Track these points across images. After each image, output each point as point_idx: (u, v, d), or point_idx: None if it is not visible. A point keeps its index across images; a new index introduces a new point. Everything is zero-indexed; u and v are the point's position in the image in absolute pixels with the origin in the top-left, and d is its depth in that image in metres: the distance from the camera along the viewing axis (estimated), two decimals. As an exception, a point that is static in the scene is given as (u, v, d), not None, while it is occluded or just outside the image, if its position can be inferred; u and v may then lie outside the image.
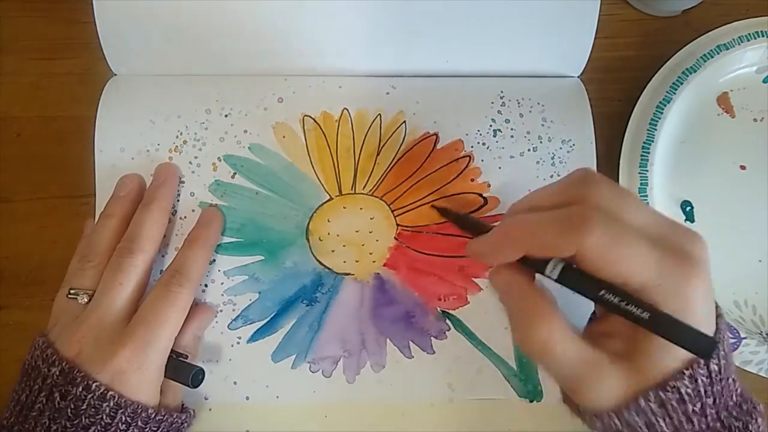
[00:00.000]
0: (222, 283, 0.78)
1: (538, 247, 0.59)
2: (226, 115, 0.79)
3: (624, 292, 0.56)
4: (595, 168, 0.80)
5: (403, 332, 0.79)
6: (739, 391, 0.61)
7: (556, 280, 0.59)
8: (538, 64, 0.83)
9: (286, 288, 0.79)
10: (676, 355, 0.57)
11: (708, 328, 0.58)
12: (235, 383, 0.78)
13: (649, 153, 0.81)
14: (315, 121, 0.80)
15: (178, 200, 0.79)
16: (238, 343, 0.78)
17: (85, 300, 0.73)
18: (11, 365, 0.80)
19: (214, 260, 0.78)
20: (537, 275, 0.61)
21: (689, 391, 0.57)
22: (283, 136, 0.79)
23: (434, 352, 0.79)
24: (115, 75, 0.82)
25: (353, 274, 0.79)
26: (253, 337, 0.78)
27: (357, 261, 0.79)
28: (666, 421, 0.57)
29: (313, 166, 0.79)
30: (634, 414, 0.57)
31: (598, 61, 0.84)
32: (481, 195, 0.79)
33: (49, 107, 0.85)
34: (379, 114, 0.80)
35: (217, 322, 0.78)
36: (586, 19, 0.81)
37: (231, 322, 0.78)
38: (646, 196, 0.81)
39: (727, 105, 0.85)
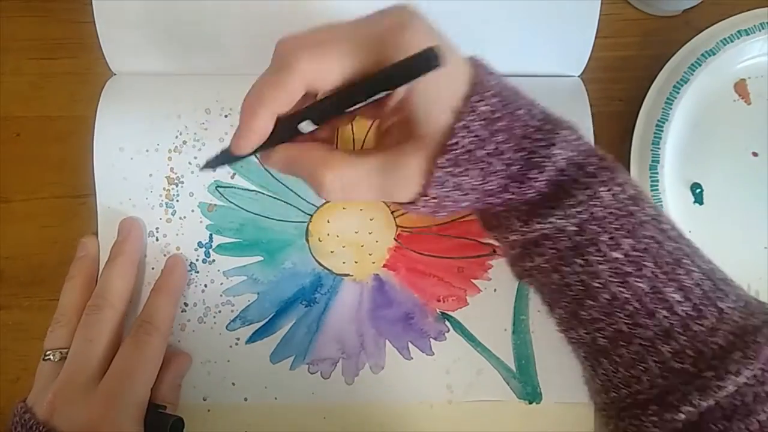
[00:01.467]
0: (221, 284, 0.79)
1: (276, 104, 0.60)
2: (225, 116, 0.79)
3: (346, 89, 0.59)
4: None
5: (402, 333, 0.79)
6: (537, 115, 0.63)
7: (315, 124, 0.61)
8: (539, 63, 0.83)
9: (285, 289, 0.79)
10: (442, 108, 0.59)
11: (456, 56, 0.60)
12: (233, 384, 0.79)
13: (662, 132, 0.82)
14: (315, 120, 0.79)
15: (145, 255, 0.79)
16: (237, 344, 0.79)
17: (58, 358, 0.74)
18: (11, 365, 0.81)
19: (214, 260, 0.79)
20: None
21: (471, 140, 0.59)
22: (283, 136, 0.79)
23: (433, 354, 0.79)
24: (115, 75, 0.82)
25: (352, 275, 0.80)
26: (252, 338, 0.79)
27: (356, 262, 0.79)
28: (469, 174, 0.60)
29: (313, 166, 0.79)
30: (441, 177, 0.60)
31: (598, 61, 0.83)
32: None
33: (48, 107, 0.84)
34: (380, 114, 0.80)
35: (215, 322, 0.79)
36: (587, 19, 0.81)
37: (229, 323, 0.79)
38: (657, 174, 0.81)
39: (744, 92, 0.85)
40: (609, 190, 0.61)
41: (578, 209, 0.61)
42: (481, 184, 0.61)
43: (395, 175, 0.61)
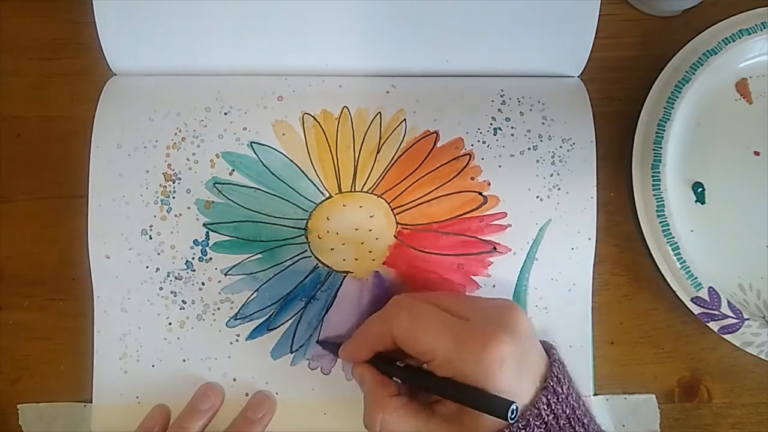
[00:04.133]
0: (219, 281, 0.78)
1: (369, 340, 0.73)
2: (225, 113, 0.79)
3: (425, 381, 0.68)
4: (594, 167, 0.80)
5: (403, 330, 0.78)
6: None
7: (402, 381, 0.70)
8: (539, 63, 0.83)
9: (285, 286, 0.79)
10: (488, 425, 0.63)
11: (518, 386, 0.64)
12: (234, 380, 0.79)
13: (664, 131, 0.81)
14: (315, 119, 0.79)
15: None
16: (237, 340, 0.79)
17: None
18: (11, 365, 0.80)
19: (211, 258, 0.78)
20: None
21: None
22: (283, 134, 0.79)
23: (433, 350, 0.79)
24: (115, 75, 0.82)
25: (352, 272, 0.79)
26: (252, 335, 0.79)
27: (356, 259, 0.79)
28: None
29: (312, 164, 0.79)
30: None
31: (598, 61, 0.84)
32: (480, 193, 0.79)
33: (49, 107, 0.84)
34: (380, 112, 0.80)
35: (215, 320, 0.79)
36: (587, 19, 0.81)
37: (229, 320, 0.78)
38: (658, 173, 0.81)
39: (746, 91, 0.85)
40: None
41: None
42: None
43: None
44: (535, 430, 0.62)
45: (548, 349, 0.70)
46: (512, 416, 0.59)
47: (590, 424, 0.66)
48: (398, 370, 0.70)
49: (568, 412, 0.64)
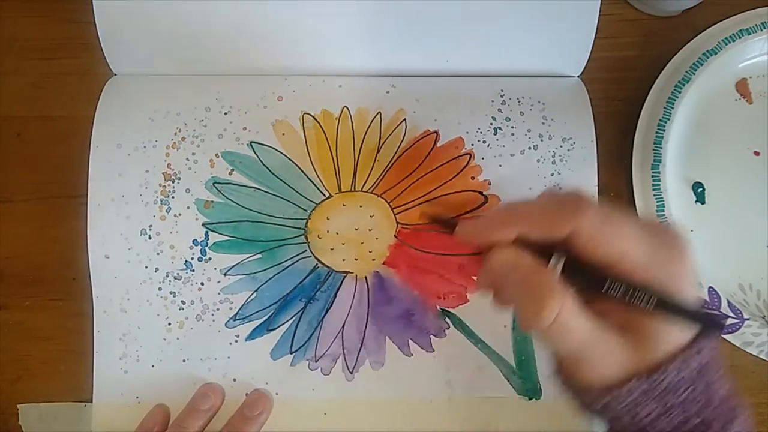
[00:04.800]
0: (218, 282, 0.78)
1: (532, 225, 0.60)
2: (225, 113, 0.79)
3: (627, 283, 0.57)
4: (595, 166, 0.80)
5: (403, 330, 0.79)
6: (723, 392, 0.61)
7: (560, 275, 0.58)
8: (539, 63, 0.83)
9: (285, 286, 0.79)
10: (672, 338, 0.58)
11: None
12: (234, 380, 0.79)
13: (664, 131, 0.82)
14: (315, 119, 0.79)
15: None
16: (236, 341, 0.79)
17: None
18: (11, 365, 0.80)
19: (210, 258, 0.78)
20: None
21: (676, 378, 0.57)
22: (283, 134, 0.79)
23: (434, 350, 0.79)
24: (115, 75, 0.82)
25: (352, 272, 0.79)
26: (252, 335, 0.79)
27: (356, 259, 0.79)
28: (646, 410, 0.58)
29: (312, 164, 0.79)
30: (624, 395, 0.58)
31: (598, 61, 0.84)
32: (481, 193, 0.79)
33: (49, 107, 0.84)
34: (379, 112, 0.80)
35: (214, 320, 0.79)
36: (586, 19, 0.81)
37: (228, 321, 0.79)
38: (659, 173, 0.81)
39: (745, 91, 0.85)
40: None
41: None
42: (648, 421, 0.59)
43: (597, 354, 0.59)
44: (711, 351, 0.59)
45: None
46: (719, 325, 0.57)
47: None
48: (576, 271, 0.59)
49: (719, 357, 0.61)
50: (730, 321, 0.80)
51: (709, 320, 0.56)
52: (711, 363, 0.59)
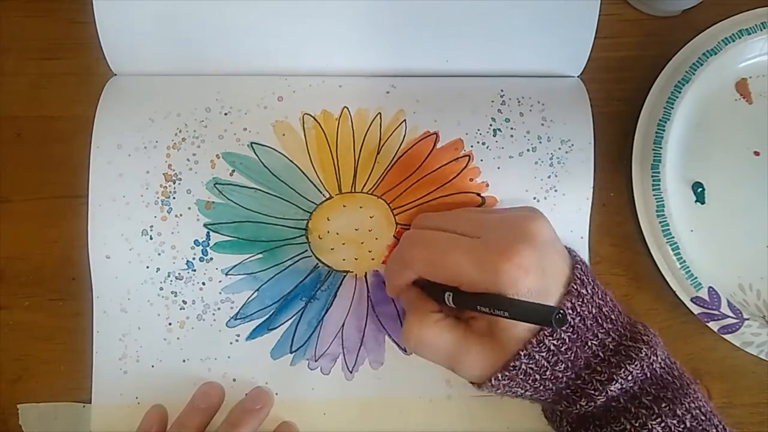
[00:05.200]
0: (220, 281, 0.78)
1: (398, 280, 0.72)
2: (225, 114, 0.79)
3: (464, 298, 0.67)
4: (592, 168, 0.80)
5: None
6: (610, 344, 0.66)
7: (453, 306, 0.68)
8: (538, 63, 0.83)
9: (285, 285, 0.79)
10: (518, 333, 0.64)
11: (544, 293, 0.64)
12: (234, 380, 0.79)
13: (664, 131, 0.82)
14: (315, 119, 0.79)
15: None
16: (237, 340, 0.79)
17: None
18: (11, 365, 0.80)
19: (212, 258, 0.78)
20: None
21: (531, 365, 0.64)
22: (283, 134, 0.79)
23: (433, 350, 0.79)
24: (115, 75, 0.82)
25: (352, 272, 0.80)
26: (252, 335, 0.79)
27: (356, 259, 0.79)
28: (521, 387, 0.66)
29: (312, 165, 0.79)
30: (496, 385, 0.66)
31: (598, 61, 0.84)
32: (479, 194, 0.79)
33: (49, 107, 0.84)
34: (380, 113, 0.80)
35: (215, 320, 0.79)
36: (586, 19, 0.81)
37: (229, 320, 0.79)
38: (658, 173, 0.81)
39: (745, 91, 0.85)
40: (661, 423, 0.64)
41: None
42: (531, 395, 0.68)
43: (463, 360, 0.68)
44: (563, 335, 0.63)
45: (569, 251, 0.70)
46: (559, 320, 0.58)
47: (618, 317, 0.67)
48: (448, 296, 0.68)
49: (594, 311, 0.65)
50: (730, 321, 0.81)
51: (537, 313, 0.60)
52: (580, 330, 0.65)
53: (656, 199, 0.81)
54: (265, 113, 0.80)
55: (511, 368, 0.64)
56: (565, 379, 0.65)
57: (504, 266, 0.62)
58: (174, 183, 0.77)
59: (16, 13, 0.85)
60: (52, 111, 0.84)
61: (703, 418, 0.65)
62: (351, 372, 0.79)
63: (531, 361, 0.63)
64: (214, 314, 0.79)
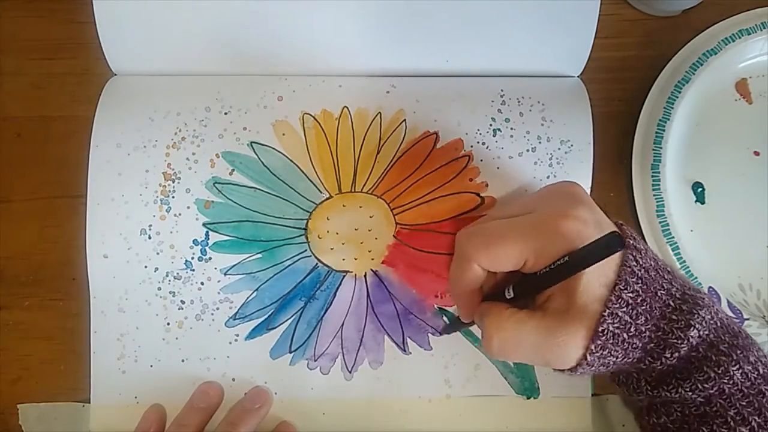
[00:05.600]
0: (218, 281, 0.79)
1: (466, 288, 0.70)
2: (225, 113, 0.79)
3: (541, 277, 0.65)
4: (591, 168, 0.80)
5: (401, 329, 0.79)
6: (675, 294, 0.65)
7: (513, 298, 0.67)
8: (538, 63, 0.83)
9: (285, 285, 0.79)
10: (596, 294, 0.63)
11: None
12: (233, 380, 0.79)
13: (664, 131, 0.82)
14: (315, 119, 0.79)
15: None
16: (236, 340, 0.79)
17: None
18: (11, 365, 0.80)
19: (211, 258, 0.78)
20: None
21: (616, 324, 0.63)
22: (283, 134, 0.79)
23: (432, 349, 0.80)
24: (115, 75, 0.82)
25: (352, 272, 0.80)
26: (251, 335, 0.79)
27: (356, 259, 0.79)
28: (613, 354, 0.64)
29: (312, 164, 0.79)
30: (591, 361, 0.64)
31: (598, 61, 0.84)
32: (478, 194, 0.79)
33: (49, 107, 0.84)
34: (379, 113, 0.80)
35: (214, 319, 0.79)
36: (586, 19, 0.81)
37: (228, 320, 0.79)
38: (658, 173, 0.82)
39: (745, 91, 0.85)
40: (739, 369, 0.63)
41: (707, 384, 0.63)
42: (623, 360, 0.65)
43: (553, 346, 0.65)
44: (634, 286, 0.63)
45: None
46: (619, 241, 0.62)
47: (673, 269, 0.67)
48: (508, 295, 0.68)
49: (653, 263, 0.65)
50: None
51: (602, 246, 0.62)
52: (646, 281, 0.64)
53: (656, 199, 0.81)
54: (265, 113, 0.80)
55: (600, 334, 0.63)
56: (647, 333, 0.64)
57: (564, 223, 0.63)
58: (173, 182, 0.78)
59: (16, 13, 0.85)
60: (52, 111, 0.84)
61: None
62: (350, 372, 0.79)
63: (615, 320, 0.63)
64: (212, 314, 0.79)
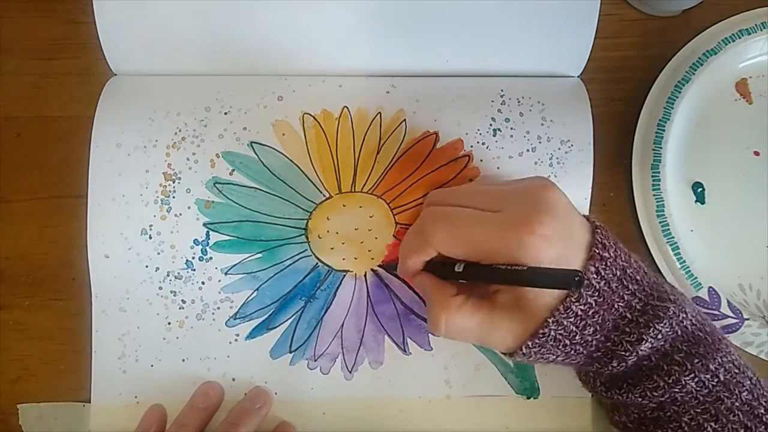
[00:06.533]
0: (219, 281, 0.79)
1: (415, 256, 0.70)
2: (225, 113, 0.79)
3: (495, 273, 0.65)
4: (591, 168, 0.80)
5: (401, 329, 0.79)
6: (637, 305, 0.66)
7: (461, 278, 0.68)
8: (539, 63, 0.83)
9: (285, 285, 0.79)
10: (545, 303, 0.64)
11: (566, 260, 0.64)
12: (233, 380, 0.79)
13: (664, 131, 0.82)
14: (315, 119, 0.80)
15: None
16: (236, 340, 0.79)
17: None
18: (11, 365, 0.80)
19: (211, 258, 0.78)
20: None
21: (559, 332, 0.64)
22: (283, 134, 0.79)
23: (432, 349, 0.80)
24: (115, 75, 0.82)
25: (352, 272, 0.80)
26: (252, 334, 0.79)
27: (356, 258, 0.79)
28: (552, 353, 0.66)
29: (312, 164, 0.79)
30: (527, 353, 0.66)
31: (598, 61, 0.84)
32: (478, 194, 0.79)
33: (49, 107, 0.84)
34: (379, 112, 0.80)
35: (214, 319, 0.79)
36: (586, 19, 0.81)
37: (228, 320, 0.79)
38: (658, 173, 0.82)
39: (745, 91, 0.85)
40: (694, 378, 0.65)
41: (656, 393, 0.65)
42: (563, 360, 0.68)
43: (493, 335, 0.67)
44: (589, 299, 0.63)
45: (587, 217, 0.70)
46: (577, 282, 0.59)
47: (644, 278, 0.67)
48: (457, 273, 0.68)
49: (618, 274, 0.65)
50: (730, 321, 0.81)
51: (557, 278, 0.61)
52: (605, 293, 0.65)
53: (656, 199, 0.81)
54: (265, 113, 0.80)
55: (541, 336, 0.64)
56: (594, 342, 0.65)
57: (527, 238, 0.62)
58: (173, 182, 0.78)
59: (16, 13, 0.85)
60: (52, 111, 0.84)
61: (737, 371, 0.66)
62: (350, 372, 0.79)
63: (560, 328, 0.64)
64: (213, 314, 0.79)
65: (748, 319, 0.80)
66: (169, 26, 0.80)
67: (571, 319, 0.63)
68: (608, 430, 0.75)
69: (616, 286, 0.64)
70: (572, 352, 0.65)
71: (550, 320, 0.63)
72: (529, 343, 0.65)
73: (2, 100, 0.84)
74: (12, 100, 0.84)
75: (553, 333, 0.64)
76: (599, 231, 0.66)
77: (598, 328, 0.64)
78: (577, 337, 0.64)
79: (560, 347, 0.65)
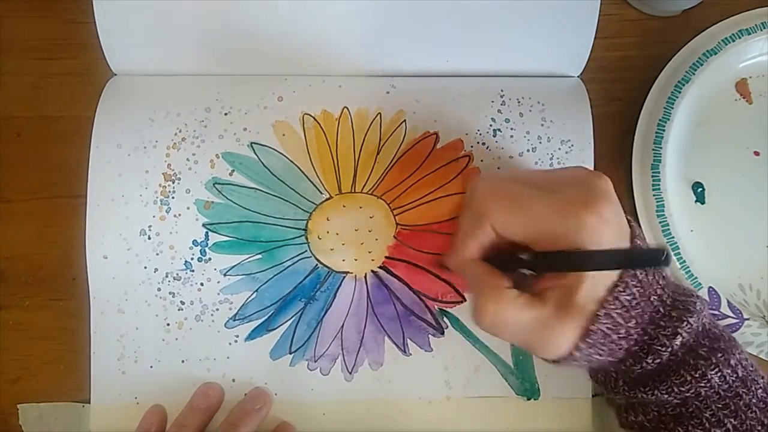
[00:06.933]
0: (218, 282, 0.78)
1: (472, 239, 0.69)
2: (225, 114, 0.79)
3: (541, 256, 0.65)
4: (591, 168, 0.79)
5: (401, 330, 0.79)
6: (667, 300, 0.66)
7: (528, 267, 0.66)
8: (538, 63, 0.83)
9: (284, 286, 0.79)
10: (596, 295, 0.63)
11: (623, 243, 0.65)
12: (233, 381, 0.79)
13: (664, 131, 0.82)
14: (315, 119, 0.79)
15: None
16: (236, 341, 0.79)
17: None
18: (11, 365, 0.80)
19: (210, 259, 0.78)
20: None
21: (609, 325, 0.63)
22: (283, 134, 0.79)
23: (432, 350, 0.79)
24: (115, 75, 0.82)
25: (352, 273, 0.79)
26: (251, 336, 0.79)
27: (356, 259, 0.79)
28: (600, 352, 0.65)
29: (312, 165, 0.79)
30: (579, 356, 0.65)
31: (598, 61, 0.84)
32: (478, 194, 0.79)
33: (49, 107, 0.84)
34: (380, 113, 0.80)
35: (213, 320, 0.79)
36: (586, 20, 0.81)
37: (228, 321, 0.79)
38: (658, 173, 0.82)
39: (745, 91, 0.85)
40: (718, 372, 0.64)
41: (683, 388, 0.64)
42: (606, 358, 0.66)
43: (544, 339, 0.65)
44: (632, 289, 0.63)
45: None
46: (665, 260, 0.60)
47: (667, 275, 0.67)
48: (523, 261, 0.66)
49: None
50: (730, 321, 0.81)
51: (626, 258, 0.63)
52: (643, 284, 0.64)
53: (656, 199, 0.81)
54: (265, 113, 0.80)
55: (592, 332, 0.63)
56: (635, 336, 0.64)
57: (589, 218, 0.62)
58: (173, 183, 0.77)
59: (16, 13, 0.85)
60: (52, 111, 0.84)
61: (751, 368, 0.66)
62: (350, 373, 0.79)
63: (609, 321, 0.63)
64: (212, 315, 0.79)
65: (748, 319, 0.80)
66: (169, 26, 0.80)
67: (619, 310, 0.63)
68: (609, 431, 0.75)
69: (651, 278, 0.65)
70: (617, 348, 0.65)
71: (602, 312, 0.63)
72: (581, 344, 0.64)
73: (2, 100, 0.84)
74: (12, 100, 0.84)
75: (603, 328, 0.63)
76: (634, 225, 0.67)
77: (639, 320, 0.64)
78: (622, 330, 0.64)
79: (607, 344, 0.64)
